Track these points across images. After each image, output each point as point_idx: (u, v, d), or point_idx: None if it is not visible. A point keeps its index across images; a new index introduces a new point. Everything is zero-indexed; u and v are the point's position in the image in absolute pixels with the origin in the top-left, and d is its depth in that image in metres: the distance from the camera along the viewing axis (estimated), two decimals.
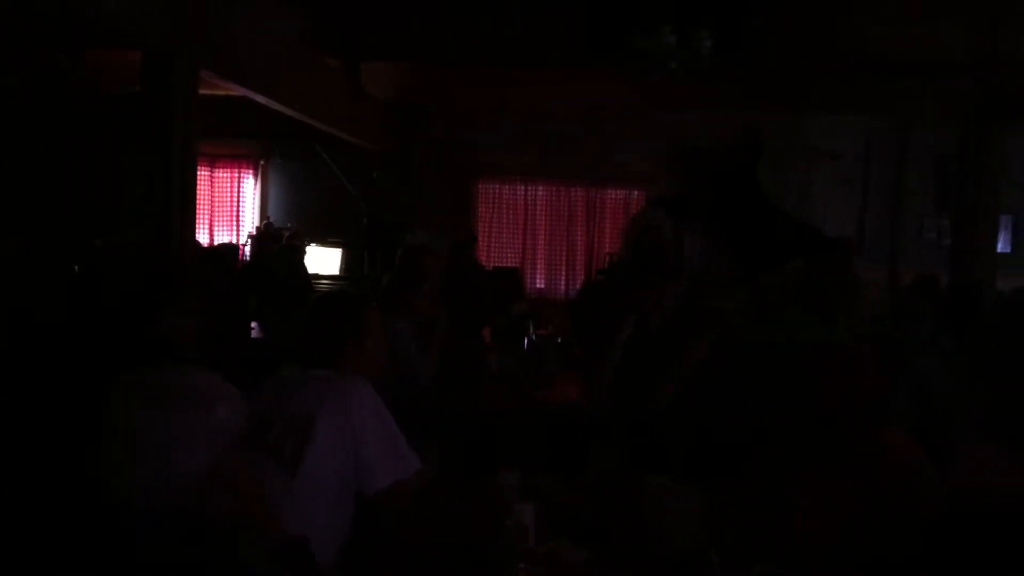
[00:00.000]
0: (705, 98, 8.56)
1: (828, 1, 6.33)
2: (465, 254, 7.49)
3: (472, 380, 5.18)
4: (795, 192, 9.89)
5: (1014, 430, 3.35)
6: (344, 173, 9.78)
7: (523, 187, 10.49)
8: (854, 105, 8.77)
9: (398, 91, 9.10)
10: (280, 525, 1.88)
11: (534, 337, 5.86)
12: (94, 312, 3.71)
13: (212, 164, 10.16)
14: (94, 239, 7.26)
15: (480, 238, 9.98)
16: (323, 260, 9.60)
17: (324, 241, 9.73)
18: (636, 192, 10.30)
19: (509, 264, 10.19)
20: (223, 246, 9.16)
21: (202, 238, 9.36)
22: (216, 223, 10.36)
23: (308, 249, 8.81)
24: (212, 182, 10.26)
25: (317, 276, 8.96)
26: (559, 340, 6.08)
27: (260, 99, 5.91)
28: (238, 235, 10.23)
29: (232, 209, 10.43)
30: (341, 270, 9.73)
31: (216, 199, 10.36)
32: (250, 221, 10.37)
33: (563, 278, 10.54)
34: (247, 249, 9.30)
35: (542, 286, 10.52)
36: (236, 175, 10.42)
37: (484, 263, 9.44)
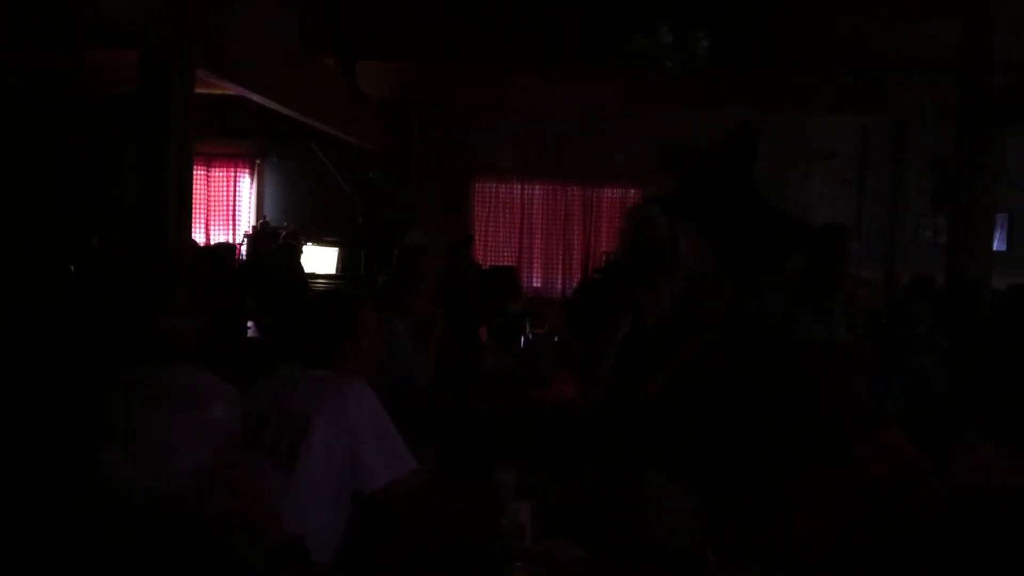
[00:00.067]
0: (701, 98, 8.57)
1: (824, 1, 6.33)
2: (461, 253, 7.49)
3: (469, 379, 5.19)
4: (792, 191, 9.91)
5: (1013, 429, 3.35)
6: (340, 172, 9.77)
7: (519, 186, 10.48)
8: (850, 105, 8.79)
9: (394, 91, 9.10)
10: (278, 525, 1.88)
11: (530, 336, 5.86)
12: (91, 312, 3.71)
13: (208, 163, 10.13)
14: (90, 238, 7.26)
15: (476, 237, 9.99)
16: (319, 259, 9.60)
17: (320, 240, 9.73)
18: (632, 191, 10.29)
19: (505, 263, 10.18)
20: (220, 245, 9.15)
21: (198, 237, 9.34)
22: (212, 222, 10.33)
23: (304, 248, 8.80)
24: (208, 181, 10.23)
25: (313, 275, 8.96)
26: (555, 339, 6.08)
27: (256, 98, 5.91)
28: (234, 234, 10.21)
29: (228, 208, 10.41)
30: (337, 269, 9.73)
31: (212, 198, 10.33)
32: (246, 220, 10.35)
33: (559, 277, 10.54)
34: (243, 248, 9.28)
35: (538, 285, 10.52)
36: (232, 174, 10.39)
37: (480, 262, 9.45)
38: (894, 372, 4.10)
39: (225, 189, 10.38)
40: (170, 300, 3.45)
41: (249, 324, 6.15)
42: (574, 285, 9.85)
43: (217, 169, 10.31)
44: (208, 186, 10.24)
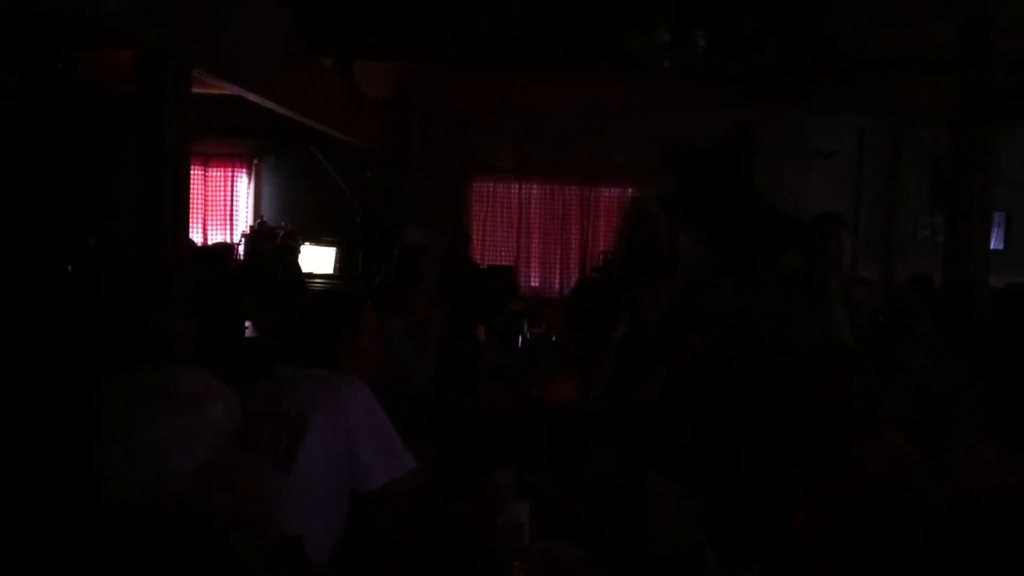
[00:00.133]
0: (700, 97, 8.57)
1: (823, 1, 6.33)
2: (459, 253, 7.49)
3: (467, 379, 5.18)
4: (791, 191, 9.91)
5: (1011, 428, 3.35)
6: (338, 172, 9.77)
7: (517, 186, 10.48)
8: (848, 104, 8.80)
9: (393, 90, 9.09)
10: (276, 525, 1.88)
11: (529, 336, 5.86)
12: (89, 312, 3.70)
13: (206, 163, 10.13)
14: (88, 238, 7.25)
15: (474, 237, 9.99)
16: (317, 259, 9.59)
17: (318, 240, 9.72)
18: (630, 190, 10.29)
19: (503, 263, 10.18)
20: (218, 245, 9.15)
21: (196, 237, 9.34)
22: (210, 222, 10.33)
23: (302, 248, 8.80)
24: (206, 181, 10.23)
25: (311, 275, 8.95)
26: (554, 339, 6.08)
27: (254, 98, 5.90)
28: (232, 234, 10.21)
29: (226, 208, 10.41)
30: (335, 269, 9.72)
31: (210, 198, 10.33)
32: (244, 220, 10.34)
33: (558, 276, 10.54)
34: (241, 248, 9.28)
35: (537, 285, 10.52)
36: (230, 174, 10.39)
37: (479, 262, 9.44)
38: (893, 372, 4.10)
39: (223, 189, 10.38)
40: (168, 300, 3.45)
41: (247, 324, 6.14)
42: (572, 285, 9.85)
43: (214, 169, 10.30)
44: (205, 186, 10.24)
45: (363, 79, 8.38)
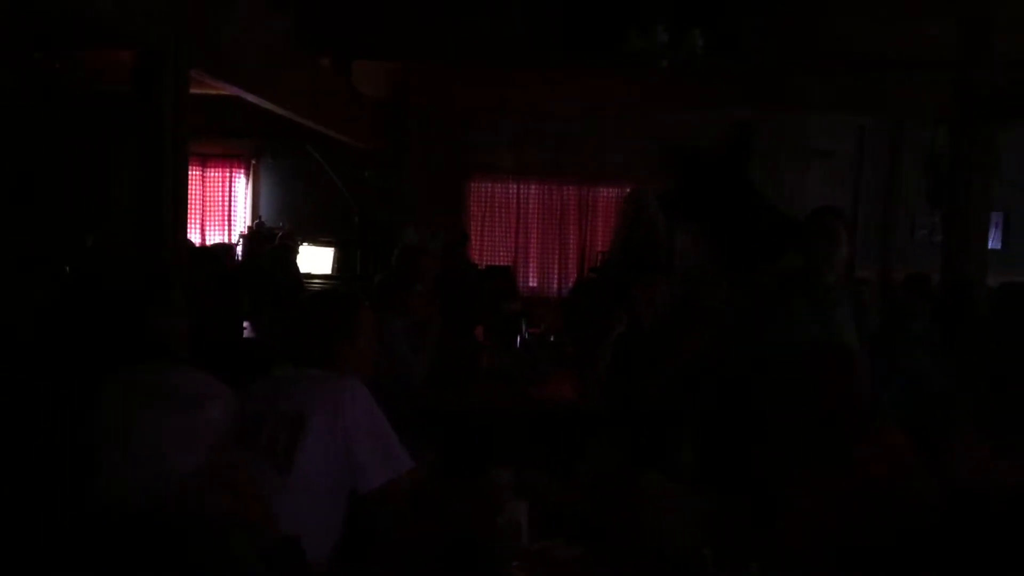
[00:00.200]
0: (699, 97, 8.57)
1: (822, 0, 6.33)
2: (457, 253, 7.49)
3: (466, 379, 5.19)
4: (789, 191, 9.90)
5: (1009, 427, 3.35)
6: (336, 172, 9.76)
7: (515, 186, 10.48)
8: (848, 104, 8.80)
9: (391, 90, 9.08)
10: (274, 525, 1.88)
11: (527, 335, 5.86)
12: (87, 312, 3.70)
13: (203, 163, 10.12)
14: (86, 239, 7.25)
15: (472, 237, 9.98)
16: (315, 259, 9.59)
17: (316, 240, 9.72)
18: (628, 190, 10.29)
19: (502, 263, 10.19)
20: (216, 246, 9.15)
21: (194, 238, 9.33)
22: (208, 223, 10.32)
23: (300, 248, 8.79)
24: (203, 182, 10.22)
25: (309, 275, 8.94)
26: (552, 338, 6.09)
27: (252, 98, 5.89)
28: (230, 235, 10.20)
29: (224, 209, 10.40)
30: (333, 269, 9.72)
31: (207, 199, 10.32)
32: (242, 221, 10.33)
33: (556, 276, 10.54)
34: (239, 249, 9.27)
35: (535, 284, 10.52)
36: (228, 174, 10.37)
37: (477, 262, 9.44)
38: (891, 371, 4.10)
39: (221, 189, 10.37)
40: (166, 300, 3.45)
41: (245, 324, 6.14)
42: (570, 284, 9.85)
43: (212, 169, 10.29)
44: (204, 186, 10.23)
45: (361, 79, 8.37)
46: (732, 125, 9.19)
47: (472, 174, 10.40)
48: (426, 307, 4.57)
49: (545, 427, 4.37)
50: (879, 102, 8.52)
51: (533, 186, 10.47)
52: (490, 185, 10.47)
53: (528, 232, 10.52)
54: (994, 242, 8.73)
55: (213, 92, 5.89)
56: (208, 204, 10.33)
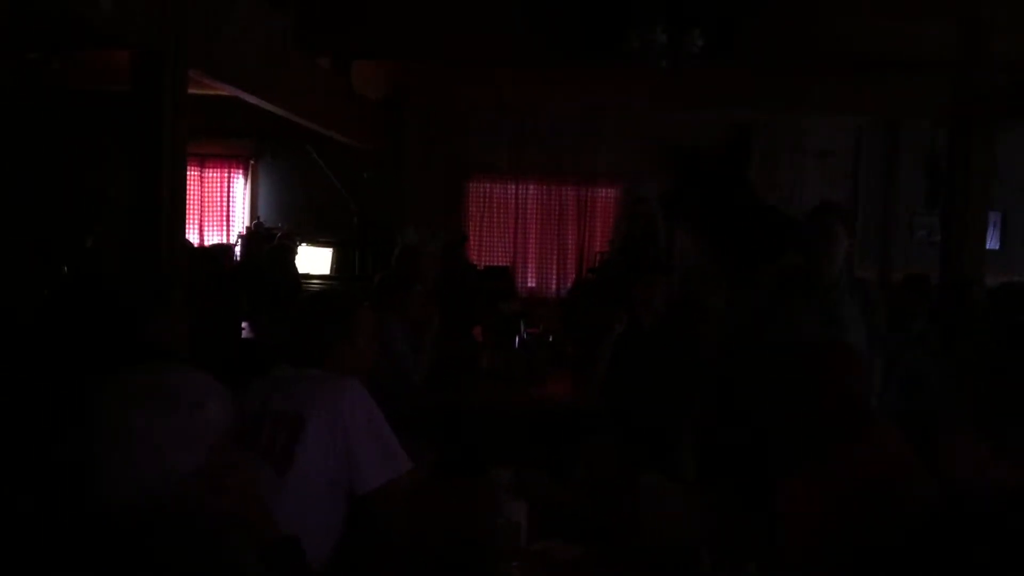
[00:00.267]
0: (697, 97, 8.57)
1: (820, 1, 6.34)
2: (456, 253, 7.49)
3: (465, 379, 5.19)
4: (787, 191, 9.91)
5: (1007, 427, 3.35)
6: (335, 172, 9.76)
7: (514, 186, 10.47)
8: (846, 104, 8.80)
9: (390, 90, 9.08)
10: (274, 525, 1.88)
11: (525, 336, 5.86)
12: (85, 313, 3.70)
13: (202, 164, 10.11)
14: (84, 239, 7.25)
15: (471, 237, 9.98)
16: (314, 260, 9.59)
17: (315, 241, 9.72)
18: (628, 190, 10.30)
19: (500, 263, 10.18)
20: (216, 246, 9.15)
21: (192, 238, 9.33)
22: (206, 223, 10.31)
23: (299, 249, 8.79)
24: (202, 182, 10.21)
25: (308, 276, 8.95)
26: (550, 338, 6.09)
27: (250, 99, 5.89)
28: (228, 235, 10.20)
29: (222, 209, 10.39)
30: (332, 270, 9.72)
31: (206, 199, 10.31)
32: (240, 221, 10.33)
33: (554, 277, 10.53)
34: (237, 249, 9.27)
35: (533, 285, 10.51)
36: (226, 175, 10.36)
37: (475, 262, 9.44)
38: (890, 371, 4.11)
39: (219, 190, 10.35)
40: (164, 301, 3.44)
41: (244, 325, 6.14)
42: (568, 285, 9.85)
43: (211, 170, 10.28)
44: (202, 187, 10.22)
45: (360, 79, 8.37)
46: (732, 126, 9.21)
47: (471, 174, 10.39)
48: (425, 307, 4.58)
49: (544, 427, 4.38)
50: (878, 102, 8.53)
51: (532, 186, 10.46)
52: (489, 185, 10.46)
53: (527, 232, 10.51)
54: (992, 242, 8.74)
55: (212, 92, 5.90)
56: (207, 204, 10.32)
